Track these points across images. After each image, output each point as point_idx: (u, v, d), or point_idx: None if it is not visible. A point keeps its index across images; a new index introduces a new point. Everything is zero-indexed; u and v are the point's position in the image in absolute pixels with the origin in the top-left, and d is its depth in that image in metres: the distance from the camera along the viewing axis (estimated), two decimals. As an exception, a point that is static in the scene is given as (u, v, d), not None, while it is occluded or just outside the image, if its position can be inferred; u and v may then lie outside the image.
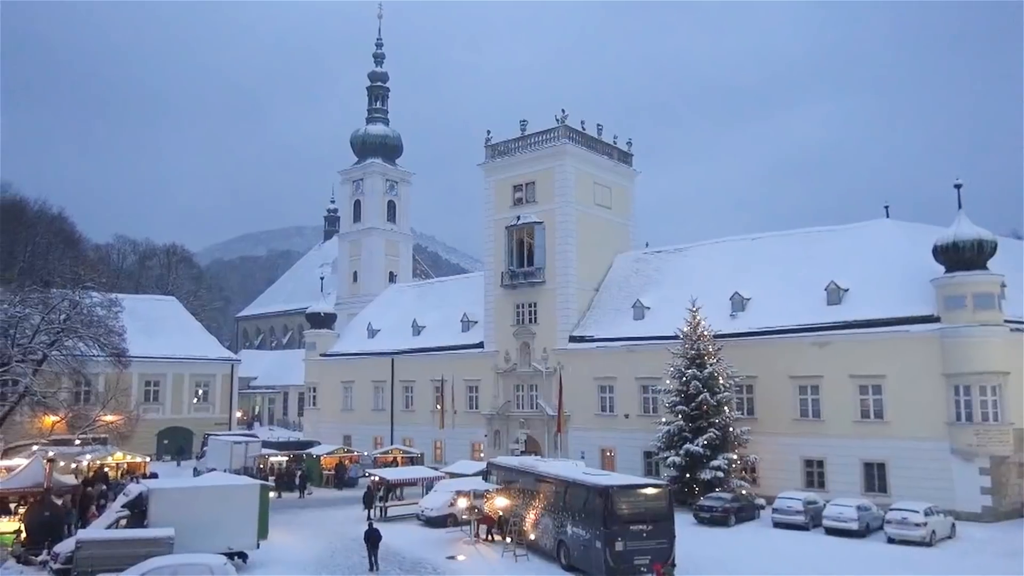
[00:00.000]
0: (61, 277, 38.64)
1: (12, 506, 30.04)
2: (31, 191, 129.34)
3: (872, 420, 35.72)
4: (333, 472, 47.30)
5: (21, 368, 32.28)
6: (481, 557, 27.59)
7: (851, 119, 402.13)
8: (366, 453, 51.47)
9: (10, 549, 26.58)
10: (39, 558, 25.33)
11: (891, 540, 29.07)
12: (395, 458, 49.03)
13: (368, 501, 35.40)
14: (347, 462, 48.33)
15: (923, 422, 34.00)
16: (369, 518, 33.16)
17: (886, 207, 42.58)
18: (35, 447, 34.33)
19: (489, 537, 29.95)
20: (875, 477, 35.32)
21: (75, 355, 34.96)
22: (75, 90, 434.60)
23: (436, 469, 42.14)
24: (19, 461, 34.48)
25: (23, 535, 27.27)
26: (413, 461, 48.38)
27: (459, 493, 32.66)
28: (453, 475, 37.97)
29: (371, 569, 25.41)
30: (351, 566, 26.04)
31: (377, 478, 37.29)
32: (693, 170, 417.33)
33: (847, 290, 38.33)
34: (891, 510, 30.01)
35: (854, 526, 30.20)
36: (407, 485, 38.03)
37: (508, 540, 28.34)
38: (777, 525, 32.29)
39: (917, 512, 29.09)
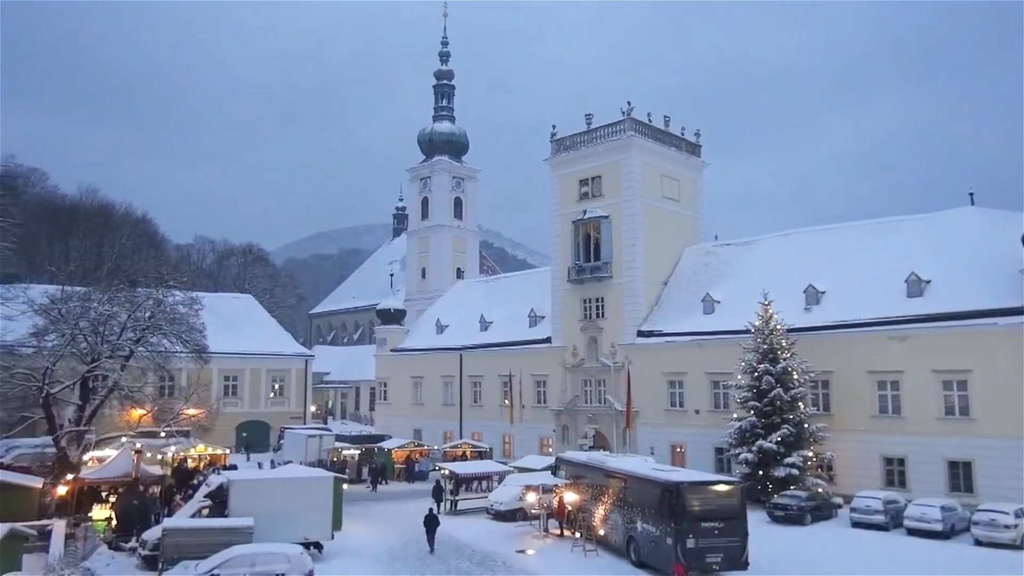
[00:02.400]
0: (146, 277, 40.15)
1: (104, 495, 31.64)
2: (117, 195, 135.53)
3: (957, 417, 34.18)
4: (404, 466, 48.10)
5: (110, 364, 33.77)
6: (550, 551, 27.64)
7: (926, 108, 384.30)
8: (436, 447, 52.17)
9: (102, 536, 27.99)
10: (128, 544, 26.61)
11: (978, 542, 27.90)
12: (464, 452, 49.56)
13: (438, 495, 35.90)
14: (417, 456, 49.09)
15: (1013, 420, 32.32)
16: (436, 511, 33.76)
17: (971, 194, 40.65)
18: (124, 439, 35.91)
19: (559, 532, 30.00)
20: (960, 476, 33.76)
21: (159, 351, 36.35)
22: (157, 101, 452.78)
23: (505, 464, 42.38)
24: (109, 452, 36.21)
25: (114, 522, 28.71)
26: (482, 455, 48.81)
27: (528, 487, 32.78)
28: (522, 470, 38.11)
29: (430, 550, 27.22)
30: (422, 558, 26.50)
31: (447, 472, 37.77)
32: (763, 163, 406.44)
33: (929, 281, 36.81)
34: (978, 511, 28.81)
35: (938, 527, 29.08)
36: (476, 479, 38.40)
37: (577, 535, 28.33)
38: (856, 525, 31.37)
39: (1007, 514, 27.83)
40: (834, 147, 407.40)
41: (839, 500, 34.39)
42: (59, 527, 25.52)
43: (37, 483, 29.29)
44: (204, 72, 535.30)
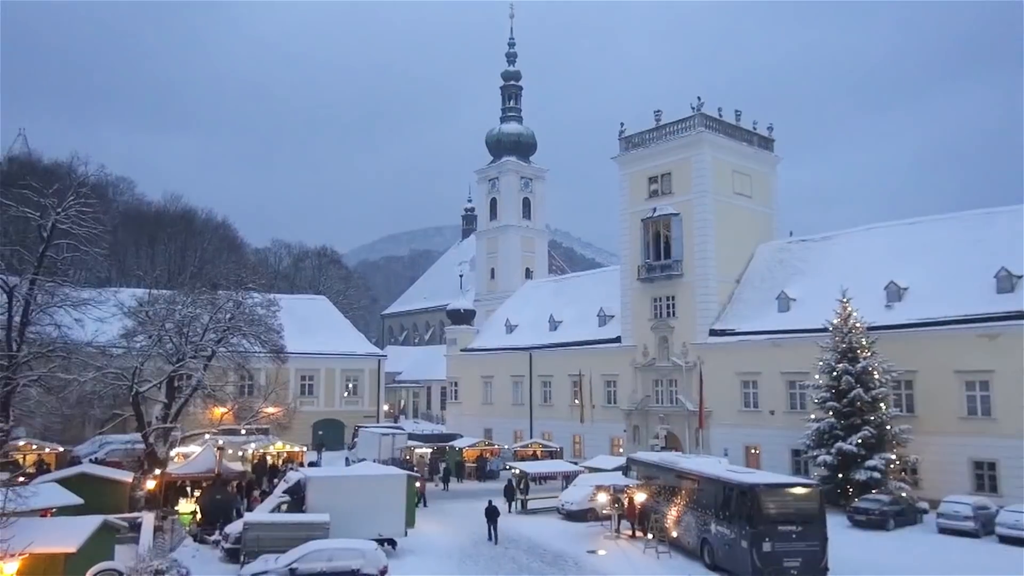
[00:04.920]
0: (226, 280, 41.48)
1: (189, 489, 32.91)
2: (198, 202, 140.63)
3: (1054, 419, 32.38)
4: (475, 464, 48.47)
5: (194, 364, 35.02)
6: (622, 552, 27.41)
7: (1016, 98, 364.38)
8: (506, 446, 52.37)
9: (188, 528, 29.11)
10: (212, 537, 27.59)
11: (1079, 552, 26.35)
12: (534, 452, 49.62)
13: (509, 494, 36.05)
14: (488, 455, 49.38)
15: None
16: (504, 504, 34.20)
17: (1067, 184, 38.43)
18: (207, 436, 37.23)
19: (631, 533, 29.74)
20: (1058, 482, 32.03)
21: (239, 351, 37.49)
22: (238, 115, 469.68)
23: (575, 463, 42.23)
24: (194, 449, 37.63)
25: (199, 516, 29.83)
26: (552, 455, 48.78)
27: (599, 488, 32.59)
28: (592, 470, 37.93)
29: (492, 541, 28.63)
30: (494, 556, 26.63)
31: (518, 471, 37.88)
32: (838, 158, 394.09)
33: (1021, 277, 34.96)
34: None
35: (1033, 534, 27.58)
36: (547, 479, 38.39)
37: (650, 536, 28.01)
38: (943, 531, 30.08)
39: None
40: (916, 141, 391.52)
41: (924, 505, 33.07)
42: (148, 520, 26.57)
43: (128, 477, 30.62)
44: (282, 87, 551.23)
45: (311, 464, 42.16)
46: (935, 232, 41.36)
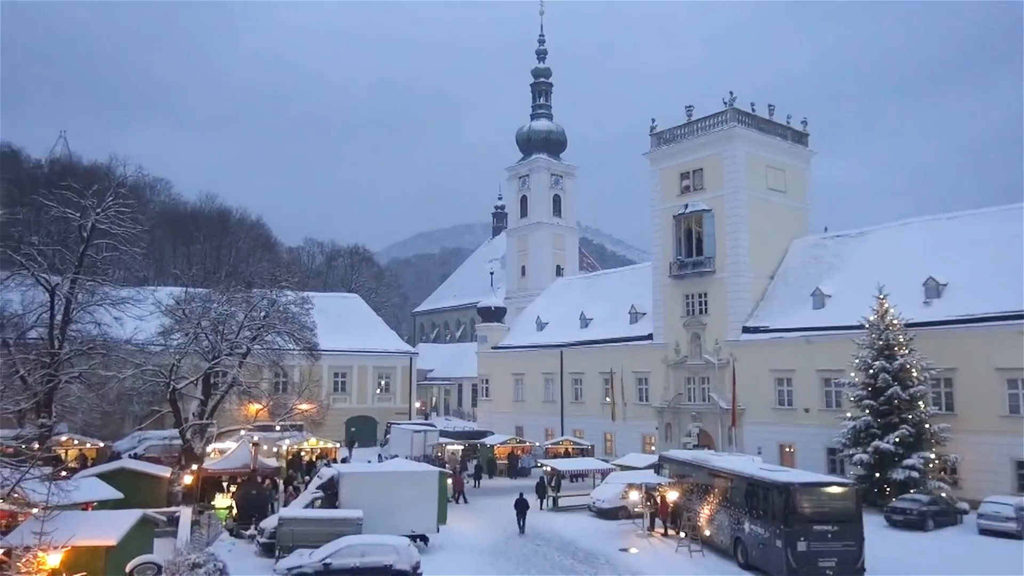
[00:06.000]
0: (260, 278, 42.12)
1: (225, 484, 33.40)
2: (233, 201, 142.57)
3: (1100, 418, 31.51)
4: (506, 461, 48.54)
5: (229, 361, 35.53)
6: (655, 551, 27.27)
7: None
8: (537, 444, 52.37)
9: (224, 523, 29.56)
10: (248, 532, 28.00)
11: None
12: (566, 449, 49.56)
13: (541, 491, 36.06)
14: (519, 452, 49.42)
15: None
16: (540, 508, 34.41)
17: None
18: (242, 432, 37.76)
19: (663, 531, 29.57)
20: (1105, 483, 31.18)
21: (274, 349, 38.02)
22: (270, 116, 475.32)
23: (607, 461, 42.10)
24: (229, 444, 38.18)
25: (235, 511, 30.27)
26: (584, 453, 48.66)
27: (631, 486, 32.44)
28: (624, 467, 37.78)
29: (520, 532, 29.68)
30: (526, 554, 26.64)
31: (550, 468, 37.86)
32: (875, 153, 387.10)
33: (1065, 272, 34.05)
34: None
35: (1079, 537, 26.89)
36: (580, 476, 38.32)
37: (682, 535, 27.84)
38: (983, 532, 29.41)
39: None
40: (956, 133, 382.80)
41: (965, 505, 32.38)
42: (186, 514, 27.05)
43: (165, 472, 31.21)
44: (316, 87, 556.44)
45: (343, 460, 42.52)
46: (975, 226, 40.41)
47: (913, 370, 34.44)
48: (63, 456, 37.83)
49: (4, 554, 18.12)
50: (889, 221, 47.81)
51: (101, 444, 40.78)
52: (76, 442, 39.75)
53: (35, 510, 18.89)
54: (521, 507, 30.39)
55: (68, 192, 31.77)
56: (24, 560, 16.83)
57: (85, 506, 23.30)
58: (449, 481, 33.15)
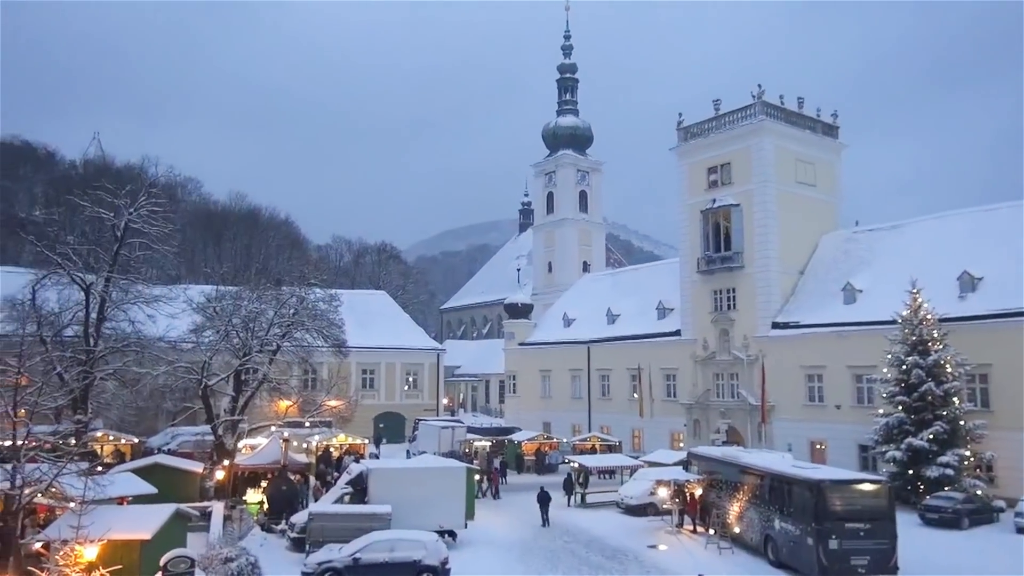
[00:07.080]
0: (289, 276, 42.61)
1: (256, 480, 33.81)
2: (262, 200, 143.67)
3: None
4: (534, 458, 48.55)
5: (259, 358, 36.00)
6: (683, 548, 27.12)
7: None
8: (565, 440, 52.31)
9: (256, 518, 29.94)
10: (279, 527, 28.33)
11: None
12: (593, 446, 49.45)
13: (569, 487, 36.03)
14: (547, 448, 49.40)
15: None
16: (568, 504, 34.45)
17: None
18: (273, 428, 38.20)
19: (692, 528, 29.41)
20: None
21: (303, 346, 38.41)
22: (298, 115, 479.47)
23: (635, 458, 41.94)
24: (260, 440, 38.65)
25: (266, 506, 30.65)
26: (611, 449, 48.51)
27: (659, 482, 32.30)
28: (652, 464, 37.62)
29: (543, 524, 30.30)
30: (554, 550, 26.65)
31: (577, 465, 37.81)
32: (907, 145, 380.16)
33: (1106, 265, 33.22)
34: None
35: (1121, 536, 26.25)
36: (606, 473, 38.20)
37: (711, 532, 27.66)
38: (1021, 531, 28.83)
39: None
40: (993, 128, 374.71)
41: (1001, 503, 31.74)
42: (218, 509, 27.45)
43: (198, 468, 31.65)
44: (343, 87, 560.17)
45: (372, 456, 42.82)
46: (1011, 219, 39.52)
47: (947, 366, 33.85)
48: (99, 452, 38.54)
49: (43, 547, 18.55)
50: (924, 214, 47.00)
51: (135, 440, 41.41)
52: (111, 438, 40.44)
53: (72, 504, 19.29)
54: (543, 500, 31.01)
55: (102, 192, 32.35)
56: (62, 553, 17.21)
57: (120, 501, 23.76)
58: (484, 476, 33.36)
